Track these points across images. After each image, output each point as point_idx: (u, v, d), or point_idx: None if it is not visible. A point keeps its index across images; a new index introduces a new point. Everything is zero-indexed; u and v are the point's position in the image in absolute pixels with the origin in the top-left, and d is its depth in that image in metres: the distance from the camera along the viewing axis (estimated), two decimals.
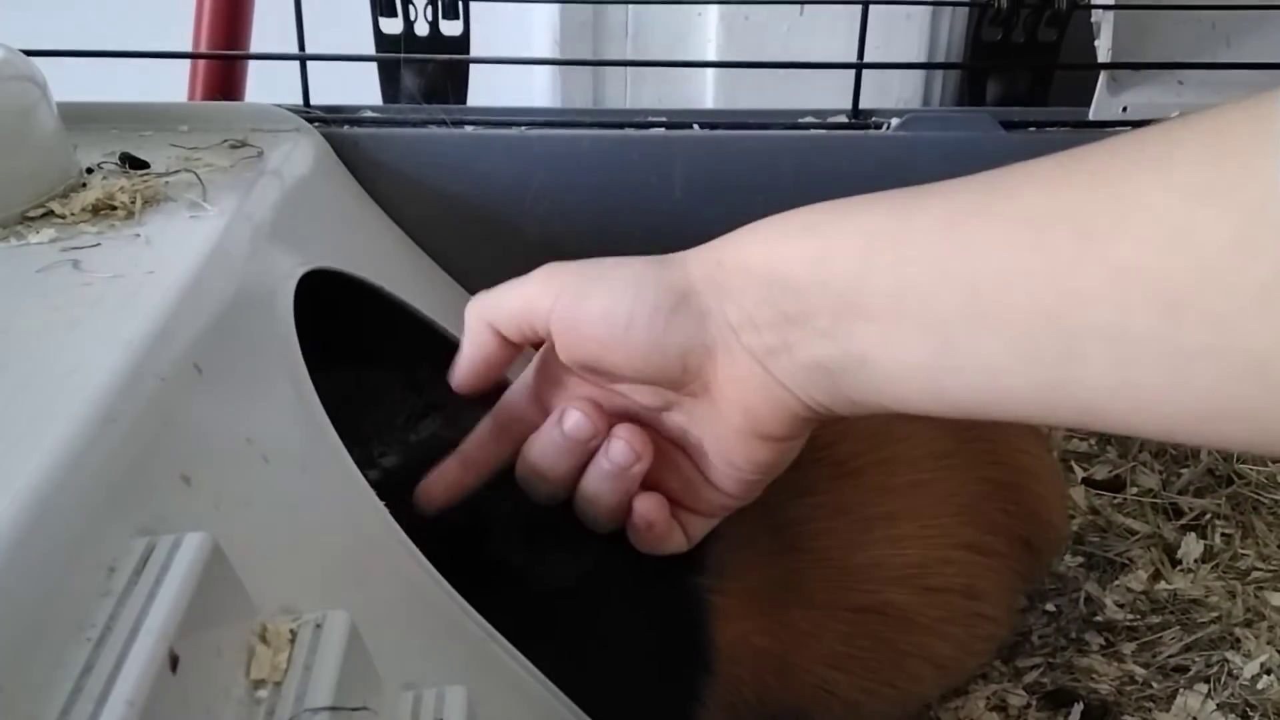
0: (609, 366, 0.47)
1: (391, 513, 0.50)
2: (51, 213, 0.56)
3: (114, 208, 0.57)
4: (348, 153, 0.75)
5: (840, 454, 0.59)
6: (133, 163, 0.64)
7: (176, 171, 0.63)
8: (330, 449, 0.49)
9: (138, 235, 0.54)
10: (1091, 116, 0.78)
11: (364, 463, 0.51)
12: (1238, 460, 0.79)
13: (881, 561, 0.58)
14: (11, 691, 0.27)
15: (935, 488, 0.60)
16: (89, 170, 0.62)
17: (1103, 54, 0.77)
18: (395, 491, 0.52)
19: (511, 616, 0.51)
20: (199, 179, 0.61)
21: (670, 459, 0.50)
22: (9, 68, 0.58)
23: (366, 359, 0.80)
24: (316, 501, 0.47)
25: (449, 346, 0.74)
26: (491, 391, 0.55)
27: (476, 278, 0.79)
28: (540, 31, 1.14)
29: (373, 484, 0.51)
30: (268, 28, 0.87)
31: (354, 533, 0.47)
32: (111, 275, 0.49)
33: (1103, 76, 0.78)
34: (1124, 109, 0.77)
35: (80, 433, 0.36)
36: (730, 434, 0.47)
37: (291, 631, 0.36)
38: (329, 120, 0.75)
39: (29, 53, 0.61)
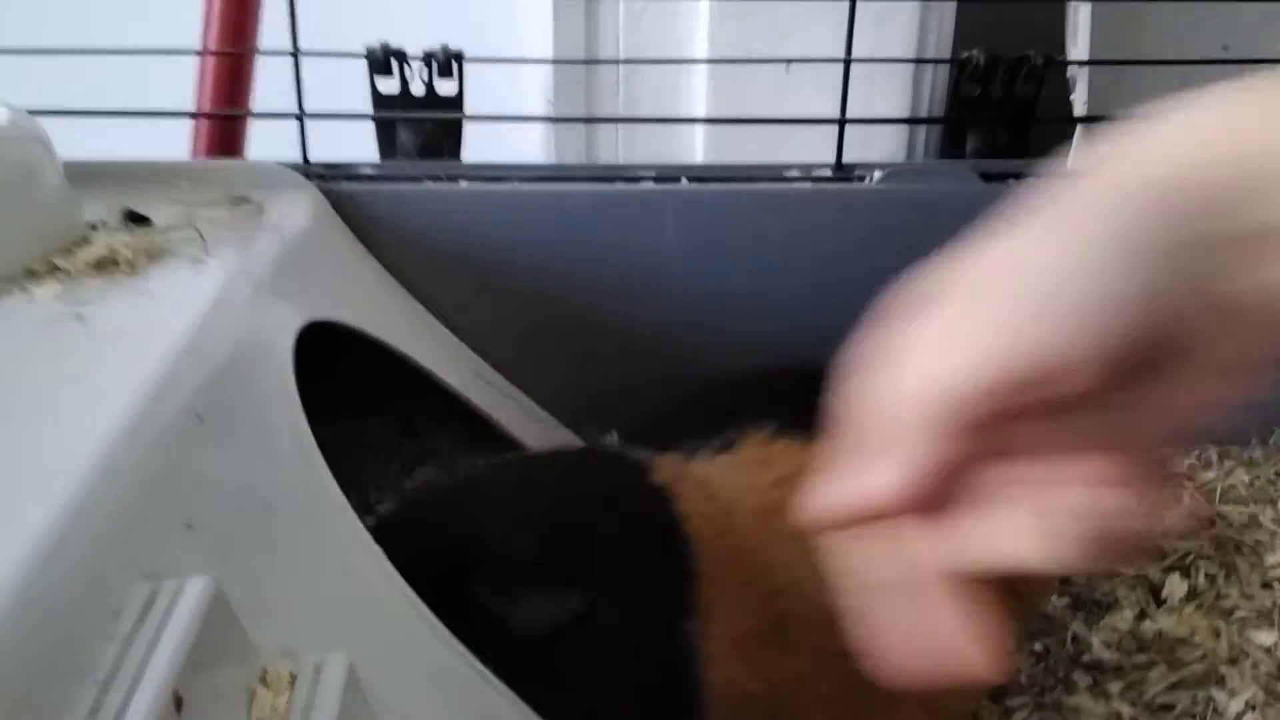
0: None
1: (389, 557, 0.51)
2: (56, 267, 0.57)
3: (117, 263, 0.58)
4: (345, 208, 0.76)
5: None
6: (135, 218, 0.65)
7: (178, 227, 0.64)
8: (329, 497, 0.50)
9: (141, 289, 0.56)
10: (1069, 169, 0.79)
11: (360, 509, 0.52)
12: (1220, 501, 0.80)
13: None
14: None
15: None
16: (93, 226, 0.63)
17: (1079, 108, 0.79)
18: (391, 538, 0.53)
19: (504, 660, 0.51)
20: (200, 234, 0.63)
21: None
22: (15, 128, 0.60)
23: (364, 408, 0.81)
24: (316, 548, 0.48)
25: (444, 396, 0.75)
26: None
27: (471, 328, 0.81)
28: (533, 90, 1.17)
29: (370, 530, 0.52)
30: (268, 87, 0.89)
31: (352, 579, 0.48)
32: (115, 328, 0.51)
33: (1080, 129, 0.80)
34: None
35: (86, 481, 0.37)
36: None
37: (291, 675, 0.37)
38: (327, 176, 0.77)
39: (34, 112, 0.62)
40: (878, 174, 0.78)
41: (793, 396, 0.66)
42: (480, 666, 0.50)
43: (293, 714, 0.36)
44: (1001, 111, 0.82)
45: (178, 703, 0.32)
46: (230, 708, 0.35)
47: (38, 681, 0.30)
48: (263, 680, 0.37)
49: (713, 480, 0.61)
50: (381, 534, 0.52)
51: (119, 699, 0.31)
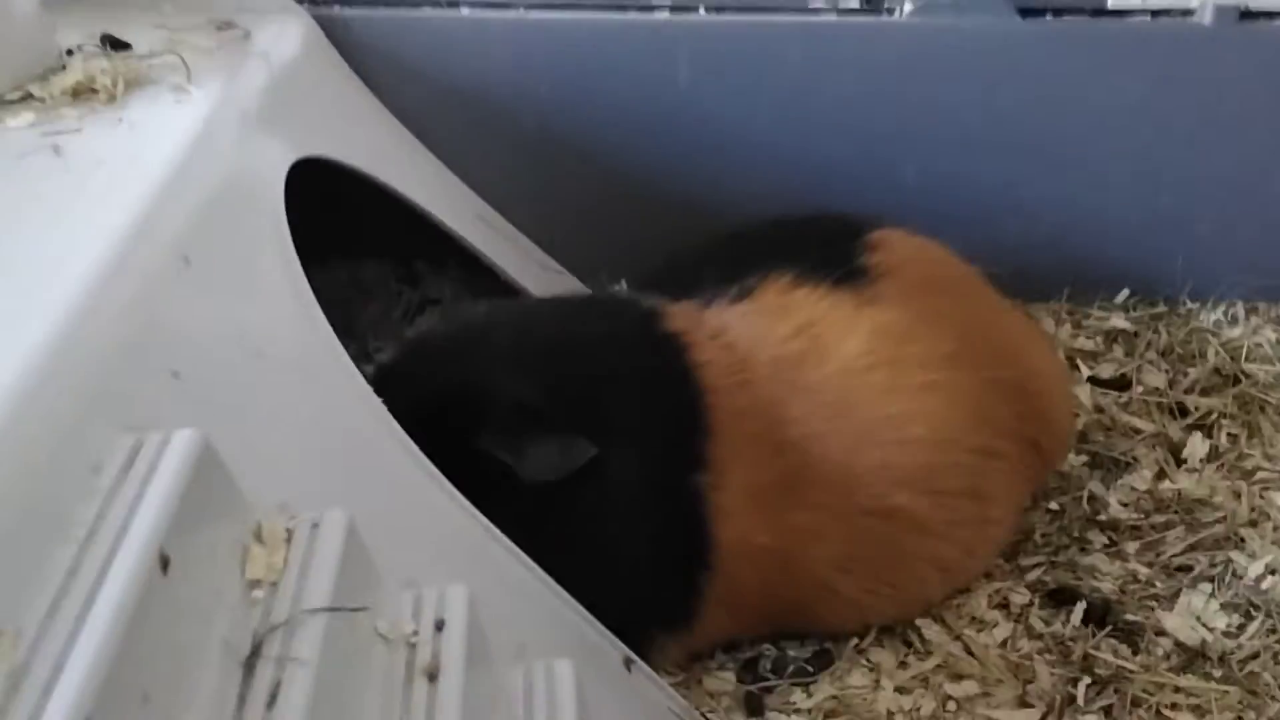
0: None
1: (389, 407, 0.49)
2: (30, 96, 0.54)
3: (95, 91, 0.55)
4: (339, 35, 0.72)
5: (847, 352, 0.58)
6: (114, 44, 0.61)
7: (160, 53, 0.60)
8: (326, 344, 0.48)
9: (120, 120, 0.53)
10: (1112, 3, 0.75)
11: (359, 358, 0.50)
12: (1246, 359, 0.78)
13: (889, 464, 0.57)
14: None
15: (945, 389, 0.59)
16: (69, 52, 0.60)
17: None
18: (391, 387, 0.51)
19: (509, 513, 0.50)
20: (183, 61, 0.59)
21: None
22: None
23: (360, 251, 0.78)
24: (312, 398, 0.45)
25: (445, 240, 0.72)
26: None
27: (473, 167, 0.77)
28: None
29: (369, 380, 0.49)
30: None
31: (351, 430, 0.46)
32: (93, 161, 0.48)
33: None
34: None
35: (63, 326, 0.34)
36: None
37: (288, 531, 0.35)
38: (319, 1, 0.72)
39: None
40: (909, 6, 0.73)
41: (814, 245, 0.63)
42: (485, 521, 0.49)
43: (289, 572, 0.34)
44: None
45: (164, 562, 0.30)
46: (222, 567, 0.33)
47: (11, 540, 0.28)
48: (257, 537, 0.35)
49: (728, 329, 0.58)
50: (381, 383, 0.50)
51: (99, 559, 0.29)
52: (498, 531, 0.49)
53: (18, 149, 0.49)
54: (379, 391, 0.49)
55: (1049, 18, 0.75)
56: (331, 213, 0.62)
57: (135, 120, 0.52)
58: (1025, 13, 0.74)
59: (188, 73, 0.58)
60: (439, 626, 0.38)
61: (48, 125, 0.51)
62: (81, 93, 0.55)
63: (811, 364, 0.57)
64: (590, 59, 0.73)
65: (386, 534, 0.40)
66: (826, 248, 0.62)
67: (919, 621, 0.62)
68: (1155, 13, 0.76)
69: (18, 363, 0.32)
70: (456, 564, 0.46)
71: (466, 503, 0.48)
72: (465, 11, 0.73)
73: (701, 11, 0.74)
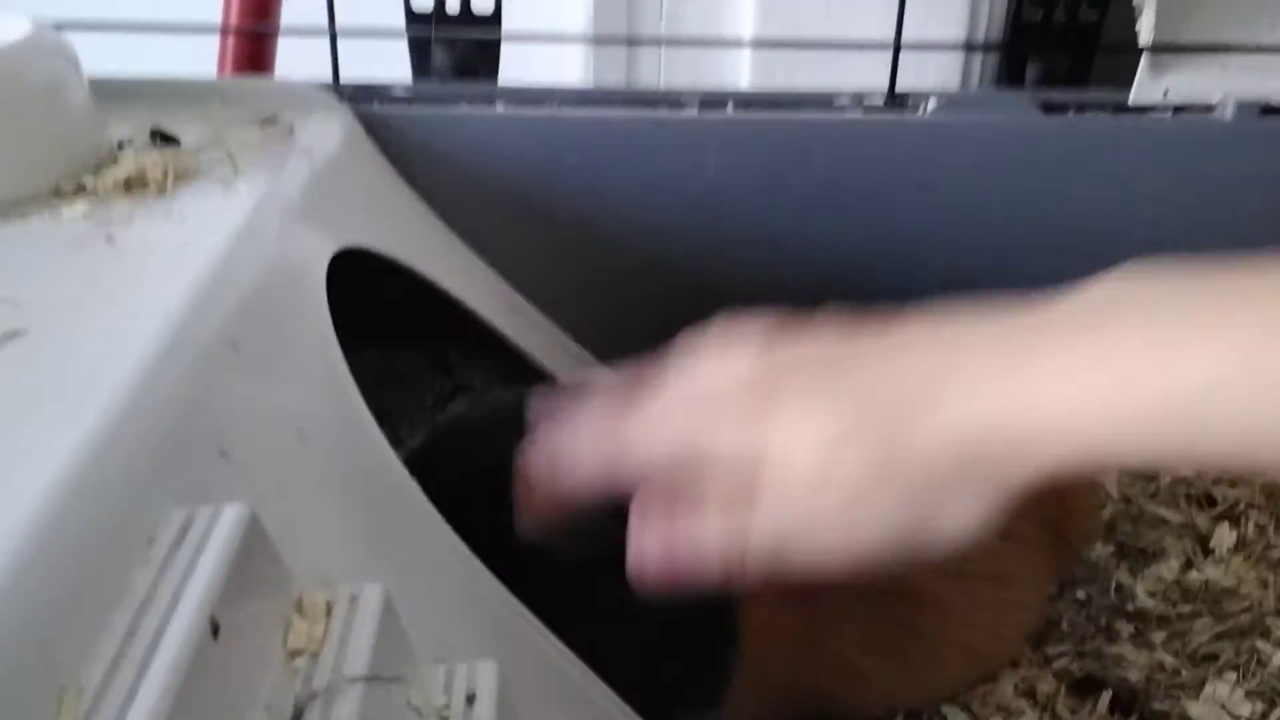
0: None
1: (422, 488, 0.50)
2: (84, 187, 0.56)
3: (146, 183, 0.57)
4: (378, 130, 0.75)
5: None
6: (164, 138, 0.64)
7: (207, 148, 0.63)
8: (363, 427, 0.49)
9: (170, 211, 0.54)
10: (1132, 100, 0.77)
11: (392, 443, 0.51)
12: None
13: None
14: (58, 653, 0.27)
15: None
16: (120, 145, 0.62)
17: (1145, 36, 0.76)
18: (424, 469, 0.52)
19: (539, 592, 0.50)
20: (229, 156, 0.61)
21: None
22: (40, 42, 0.58)
23: (396, 339, 0.80)
24: (350, 477, 0.47)
25: (478, 327, 0.74)
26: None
27: (506, 258, 0.79)
28: (573, 8, 1.14)
29: (403, 461, 0.51)
30: (299, 4, 0.87)
31: (387, 508, 0.47)
32: (145, 251, 0.49)
33: (1144, 59, 0.77)
34: (1165, 91, 0.76)
35: (120, 405, 0.36)
36: None
37: (328, 603, 0.36)
38: (359, 97, 0.75)
39: (60, 26, 0.60)
40: (933, 103, 0.75)
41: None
42: (515, 600, 0.49)
43: (329, 643, 0.35)
44: (1064, 39, 0.79)
45: (215, 628, 0.31)
46: (266, 636, 0.34)
47: (75, 603, 0.29)
48: (298, 609, 0.36)
49: None
50: (414, 464, 0.52)
51: (155, 622, 0.30)
52: (527, 610, 0.49)
53: (73, 239, 0.50)
54: (413, 473, 0.50)
55: (1071, 114, 0.77)
56: (369, 301, 0.64)
57: (185, 212, 0.54)
58: (1048, 109, 0.76)
59: (234, 166, 0.60)
60: (470, 700, 0.39)
61: (101, 216, 0.53)
62: (133, 185, 0.56)
63: None
64: (621, 153, 0.76)
65: (420, 609, 0.41)
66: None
67: (945, 709, 0.61)
68: (1177, 109, 0.78)
69: (78, 440, 0.33)
70: (487, 640, 0.46)
71: (497, 581, 0.49)
72: (500, 108, 0.76)
73: (730, 109, 0.76)
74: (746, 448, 0.40)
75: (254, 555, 0.33)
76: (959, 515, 0.39)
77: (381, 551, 0.44)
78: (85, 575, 0.30)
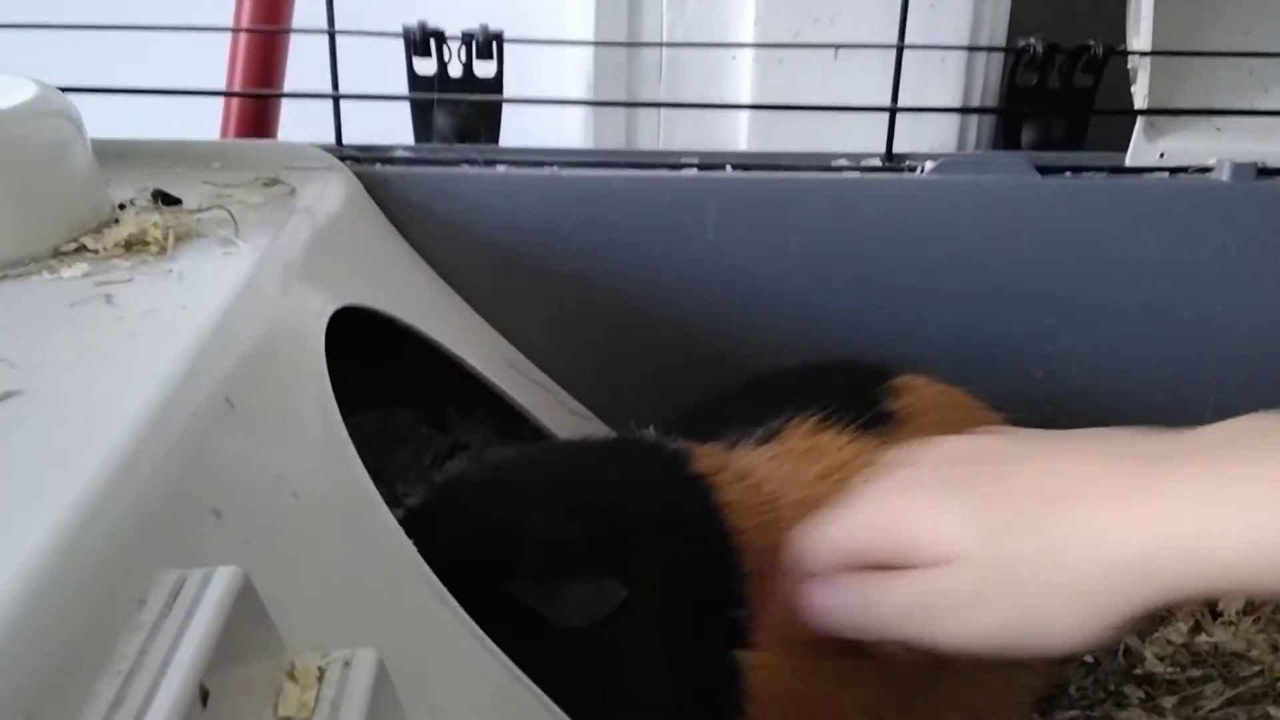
0: None
1: (419, 550, 0.49)
2: (84, 248, 0.56)
3: (146, 243, 0.57)
4: (379, 191, 0.75)
5: None
6: (165, 199, 0.64)
7: (209, 208, 0.63)
8: (359, 487, 0.49)
9: (170, 271, 0.54)
10: (1128, 162, 0.77)
11: (389, 501, 0.51)
12: None
13: None
14: None
15: None
16: (122, 206, 0.62)
17: (1139, 100, 0.77)
18: (422, 529, 0.51)
19: (536, 656, 0.50)
20: (231, 216, 0.61)
21: None
22: (44, 104, 0.59)
23: (395, 397, 0.80)
24: (345, 538, 0.46)
25: (476, 386, 0.74)
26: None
27: (507, 317, 0.79)
28: (573, 73, 1.15)
29: (399, 522, 0.50)
30: (302, 68, 0.88)
31: (382, 570, 0.47)
32: (144, 310, 0.49)
33: (1139, 122, 0.78)
34: (1161, 155, 0.77)
35: (113, 466, 0.35)
36: None
37: (320, 669, 0.35)
38: (361, 159, 0.76)
39: (64, 89, 0.61)
40: (930, 165, 0.76)
41: (839, 390, 0.64)
42: (511, 665, 0.49)
43: (320, 709, 0.35)
44: (1059, 102, 0.80)
45: (204, 695, 0.30)
46: (257, 702, 0.34)
47: (61, 670, 0.28)
48: (290, 674, 0.35)
49: (755, 471, 0.59)
50: (411, 526, 0.51)
51: (144, 690, 0.29)
52: (524, 676, 0.48)
53: (72, 298, 0.50)
54: (409, 534, 0.50)
55: (1067, 175, 0.78)
56: (368, 359, 0.64)
57: (185, 271, 0.54)
58: (1044, 171, 0.77)
59: (235, 227, 0.60)
60: None
61: (101, 275, 0.53)
62: (134, 245, 0.57)
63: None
64: (620, 213, 0.76)
65: (415, 675, 0.41)
66: (851, 392, 0.62)
67: None
68: (1173, 170, 0.79)
69: (69, 500, 0.33)
70: (482, 706, 0.45)
71: (494, 646, 0.48)
72: (501, 169, 0.76)
73: (728, 169, 0.77)
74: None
75: (246, 619, 0.33)
76: (1073, 626, 0.41)
77: (376, 615, 0.44)
78: (72, 640, 0.29)
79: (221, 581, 0.33)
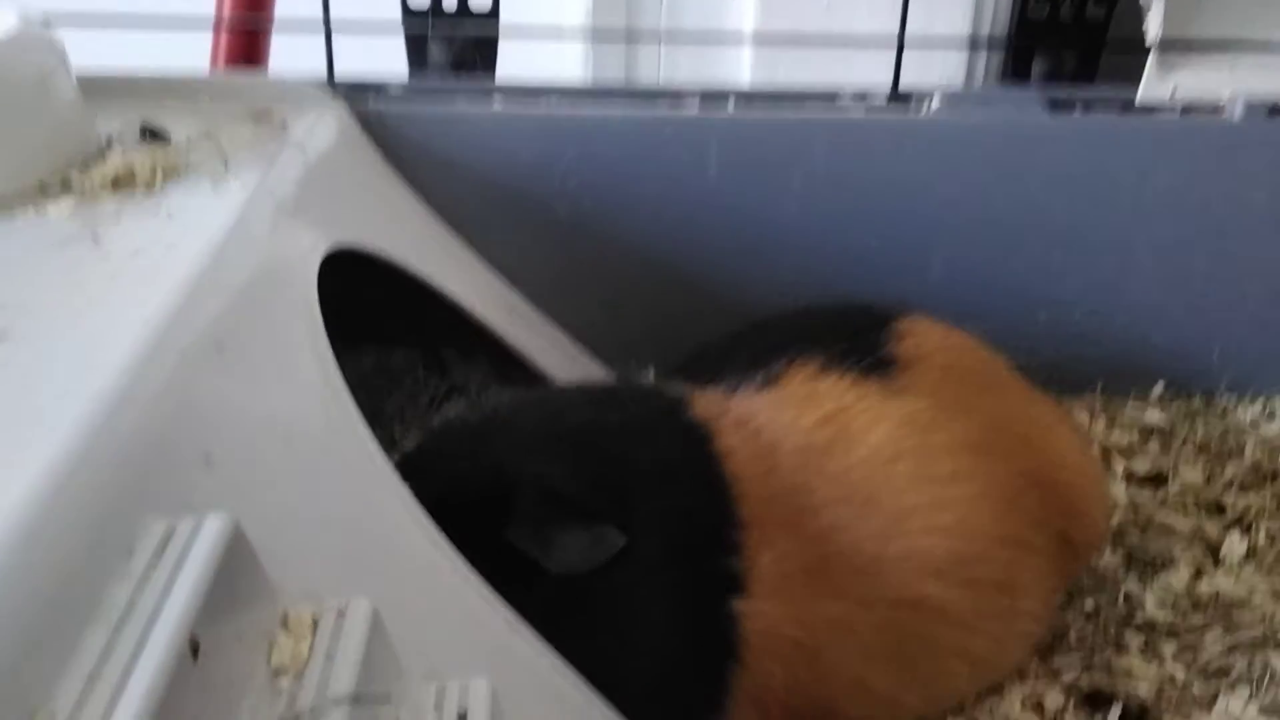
0: None
1: (414, 495, 0.48)
2: (71, 185, 0.55)
3: (134, 180, 0.56)
4: (373, 127, 0.73)
5: (874, 441, 0.57)
6: (153, 134, 0.63)
7: (198, 143, 0.62)
8: (354, 431, 0.48)
9: (158, 208, 0.53)
10: (1140, 97, 0.76)
11: (385, 445, 0.50)
12: None
13: (916, 553, 0.56)
14: (26, 676, 0.26)
15: (972, 479, 0.58)
16: (109, 142, 0.61)
17: (1153, 32, 0.75)
18: (417, 473, 0.51)
19: (533, 603, 0.49)
20: (221, 151, 0.60)
21: None
22: (27, 37, 0.57)
23: (390, 339, 0.78)
24: (339, 484, 0.45)
25: (474, 328, 0.73)
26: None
27: (504, 257, 0.78)
28: (572, 4, 1.12)
29: (395, 466, 0.49)
30: None
31: (377, 517, 0.46)
32: (132, 250, 0.48)
33: (1152, 56, 0.76)
34: (1174, 90, 0.75)
35: (99, 411, 0.34)
36: None
37: (314, 619, 0.35)
38: (354, 94, 0.74)
39: (48, 20, 0.59)
40: (937, 100, 0.74)
41: (841, 333, 0.63)
42: (509, 613, 0.48)
43: (315, 660, 0.34)
44: (1070, 35, 0.78)
45: (194, 648, 0.29)
46: (249, 653, 0.33)
47: (46, 622, 0.28)
48: (283, 624, 0.35)
49: (755, 418, 0.58)
50: (406, 470, 0.50)
51: (132, 642, 0.28)
52: (522, 623, 0.48)
53: (58, 237, 0.49)
54: (405, 478, 0.49)
55: (1078, 112, 0.76)
56: (362, 300, 0.62)
57: (173, 209, 0.53)
58: (1054, 106, 0.75)
59: (225, 162, 0.59)
60: (462, 719, 0.37)
61: (87, 214, 0.52)
62: (121, 182, 0.55)
63: (838, 453, 0.57)
64: (620, 151, 0.74)
65: (410, 624, 0.40)
66: (853, 336, 0.61)
67: None
68: (1184, 109, 0.77)
69: (54, 447, 0.32)
70: (480, 656, 0.45)
71: (491, 593, 0.47)
72: (498, 105, 0.75)
73: (731, 105, 0.75)
74: None
75: (237, 569, 0.32)
76: None
77: (371, 563, 0.43)
78: (60, 591, 0.28)
79: (212, 530, 0.32)
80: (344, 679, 0.33)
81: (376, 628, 0.36)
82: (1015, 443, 0.61)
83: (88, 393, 0.35)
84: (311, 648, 0.34)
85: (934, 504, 0.57)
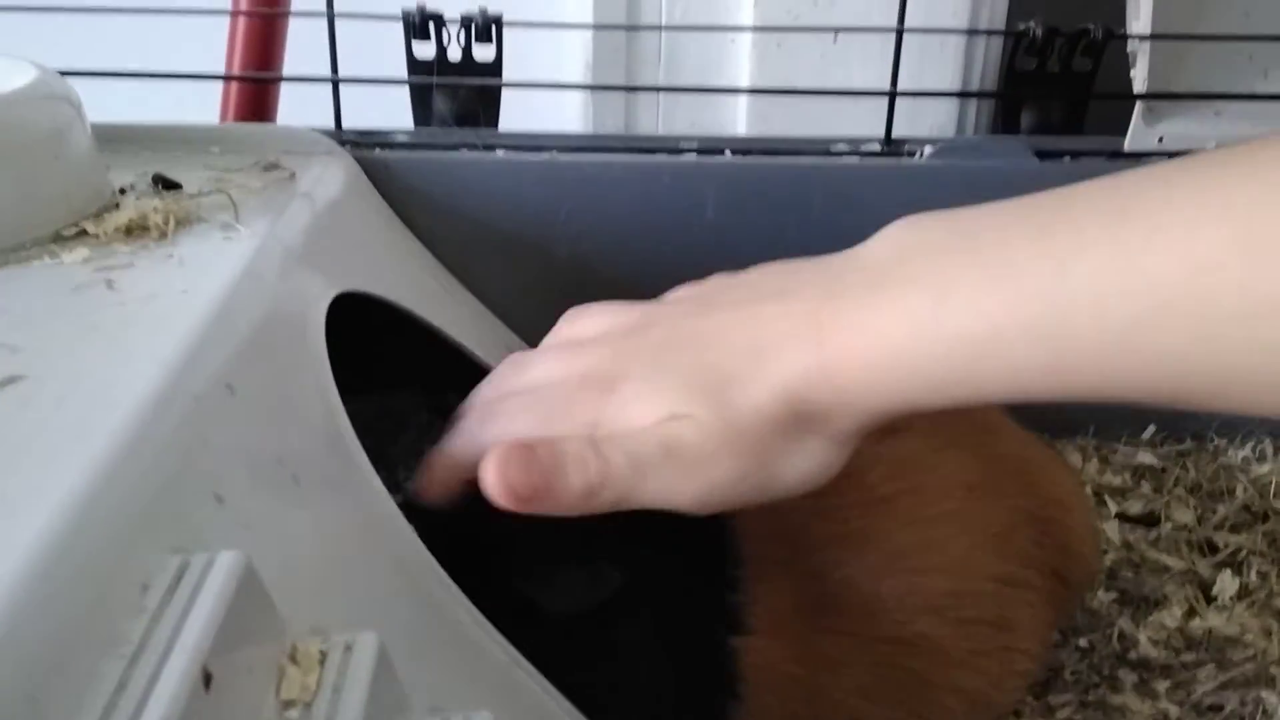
0: None
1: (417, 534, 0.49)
2: (85, 232, 0.56)
3: (147, 228, 0.57)
4: (379, 176, 0.75)
5: (869, 480, 0.58)
6: (165, 184, 0.64)
7: (209, 193, 0.63)
8: (360, 471, 0.49)
9: (170, 255, 0.55)
10: (1127, 147, 0.77)
11: (389, 486, 0.51)
12: (1274, 496, 0.78)
13: (912, 591, 0.57)
14: (46, 706, 0.27)
15: (966, 517, 0.59)
16: (122, 191, 0.62)
17: (1139, 84, 0.77)
18: (420, 514, 0.52)
19: (535, 640, 0.50)
20: (231, 200, 0.61)
21: None
22: (45, 88, 0.59)
23: (395, 382, 0.79)
24: (346, 523, 0.46)
25: (477, 371, 0.74)
26: None
27: (507, 302, 0.79)
28: (573, 57, 1.15)
29: (399, 507, 0.50)
30: (301, 51, 0.88)
31: (382, 555, 0.47)
32: (145, 295, 0.49)
33: (1138, 107, 0.77)
34: (1160, 139, 0.76)
35: (115, 450, 0.36)
36: None
37: (321, 652, 0.36)
38: (361, 143, 0.76)
39: (64, 73, 0.61)
40: (929, 149, 0.76)
41: None
42: (511, 648, 0.49)
43: (323, 692, 0.35)
44: (1058, 86, 0.80)
45: (207, 679, 0.30)
46: (259, 685, 0.34)
47: (64, 654, 0.29)
48: (292, 657, 0.36)
49: None
50: (411, 508, 0.51)
51: (147, 673, 0.29)
52: (523, 659, 0.49)
53: (73, 283, 0.50)
54: (409, 519, 0.50)
55: (1066, 160, 0.78)
56: (368, 344, 0.64)
57: (185, 256, 0.54)
58: (1043, 155, 0.77)
59: (235, 211, 0.60)
60: None
61: (102, 260, 0.53)
62: (134, 230, 0.57)
63: (834, 491, 0.58)
64: (620, 198, 0.76)
65: (415, 658, 0.41)
66: None
67: None
68: (1171, 154, 0.78)
69: (71, 485, 0.33)
70: (482, 690, 0.46)
71: (492, 629, 0.48)
72: (500, 154, 0.76)
73: (728, 154, 0.77)
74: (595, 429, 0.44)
75: (248, 603, 0.33)
76: (803, 461, 0.44)
77: (377, 598, 0.44)
78: (76, 624, 0.29)
79: (224, 566, 0.33)
80: (352, 711, 0.34)
81: (382, 662, 0.37)
82: (1008, 482, 0.62)
83: (103, 432, 0.36)
84: (319, 680, 0.35)
85: (928, 543, 0.58)
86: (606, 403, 0.45)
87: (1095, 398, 0.39)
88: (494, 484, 0.44)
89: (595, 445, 0.44)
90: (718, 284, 0.51)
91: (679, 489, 0.44)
